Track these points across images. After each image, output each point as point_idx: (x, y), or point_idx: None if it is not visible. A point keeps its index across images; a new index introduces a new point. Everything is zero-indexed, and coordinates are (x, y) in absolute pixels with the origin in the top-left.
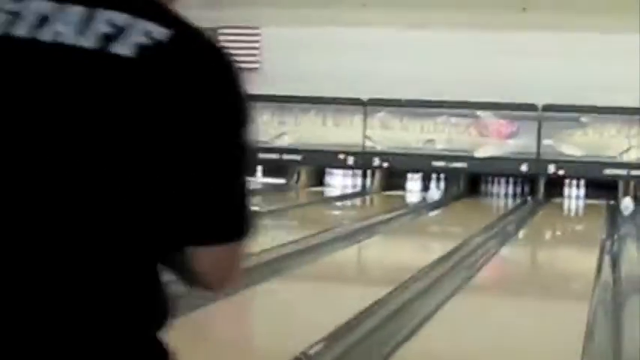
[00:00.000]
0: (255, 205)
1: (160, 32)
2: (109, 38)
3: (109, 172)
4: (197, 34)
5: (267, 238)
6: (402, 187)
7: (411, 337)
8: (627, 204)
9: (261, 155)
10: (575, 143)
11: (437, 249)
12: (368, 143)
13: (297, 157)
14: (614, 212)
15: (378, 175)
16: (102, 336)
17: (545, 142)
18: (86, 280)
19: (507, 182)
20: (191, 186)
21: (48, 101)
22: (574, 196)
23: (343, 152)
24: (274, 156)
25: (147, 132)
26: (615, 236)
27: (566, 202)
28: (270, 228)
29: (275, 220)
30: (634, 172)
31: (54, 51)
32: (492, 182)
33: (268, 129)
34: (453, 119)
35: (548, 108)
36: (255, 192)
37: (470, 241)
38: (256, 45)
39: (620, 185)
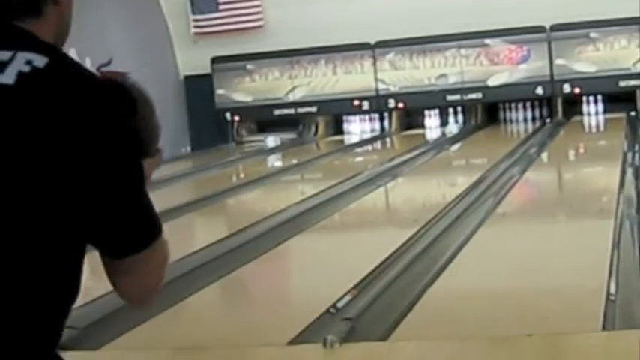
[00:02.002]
0: (278, 160)
1: (39, 60)
2: None
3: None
4: (72, 62)
5: (293, 193)
6: (421, 125)
7: (441, 274)
8: None
9: (276, 111)
10: (587, 59)
11: (462, 182)
12: (381, 86)
13: (313, 109)
14: (634, 123)
15: (395, 116)
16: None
17: (558, 62)
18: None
19: (525, 107)
20: (79, 206)
21: None
22: (593, 112)
23: (357, 98)
24: (290, 111)
25: (25, 153)
26: (637, 147)
27: (585, 119)
28: (294, 182)
29: (298, 174)
30: None
31: None
32: (510, 109)
33: (279, 85)
34: (463, 51)
35: (556, 28)
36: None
37: (493, 170)
38: (258, 3)
39: (638, 95)
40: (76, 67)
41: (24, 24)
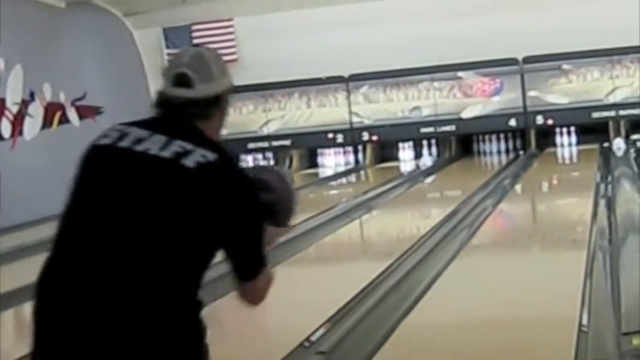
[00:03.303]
0: None
1: (211, 155)
2: (179, 155)
3: (170, 231)
4: (231, 158)
5: None
6: (395, 158)
7: (415, 306)
8: (619, 144)
9: (251, 144)
10: (560, 91)
11: (436, 214)
12: (355, 119)
13: (287, 142)
14: (607, 155)
15: (369, 149)
16: (155, 329)
17: (531, 94)
18: (150, 290)
19: (498, 139)
20: (225, 246)
21: (139, 185)
22: (566, 143)
23: (331, 131)
24: (264, 144)
25: (197, 211)
26: (609, 179)
27: (559, 150)
28: None
29: None
30: (622, 112)
31: (143, 156)
32: (483, 141)
33: (254, 118)
34: (436, 83)
35: (528, 60)
36: None
37: (467, 202)
38: (232, 37)
39: (611, 126)
40: (233, 162)
41: (199, 124)
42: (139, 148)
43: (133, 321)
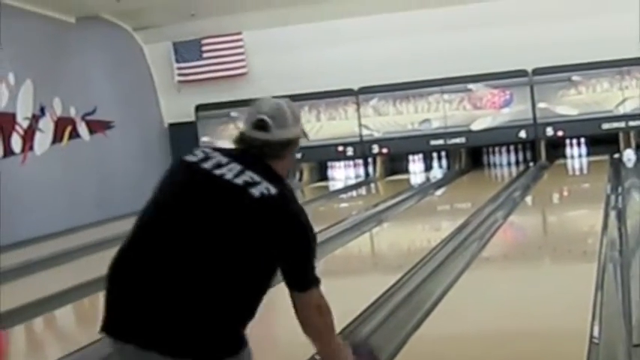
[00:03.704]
0: None
1: (273, 189)
2: (248, 184)
3: (227, 244)
4: (290, 191)
5: None
6: (405, 171)
7: (426, 319)
8: (629, 155)
9: None
10: (570, 103)
11: (446, 227)
12: (365, 132)
13: (297, 155)
14: (617, 166)
15: (379, 161)
16: (216, 323)
17: (540, 105)
18: (214, 290)
19: (508, 151)
20: (281, 263)
21: (210, 203)
22: (576, 155)
23: (341, 144)
24: None
25: (253, 233)
26: (620, 190)
27: (569, 162)
28: None
29: None
30: (632, 123)
31: (219, 180)
32: (493, 153)
33: None
34: (446, 96)
35: (538, 72)
36: None
37: (478, 214)
38: (241, 50)
39: (621, 137)
40: (289, 196)
41: (270, 162)
42: (217, 172)
43: (184, 312)
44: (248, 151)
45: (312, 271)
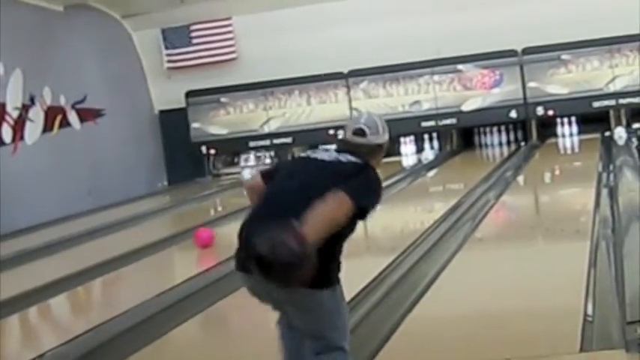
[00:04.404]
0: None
1: (359, 160)
2: (339, 159)
3: (321, 186)
4: (370, 167)
5: None
6: (397, 153)
7: (420, 300)
8: (620, 133)
9: (252, 143)
10: (559, 82)
11: (439, 208)
12: (355, 114)
13: (288, 140)
14: (608, 144)
15: None
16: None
17: (530, 85)
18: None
19: (499, 131)
20: (350, 181)
21: (310, 170)
22: (567, 134)
23: (332, 127)
24: (265, 142)
25: (342, 176)
26: (611, 168)
27: (560, 141)
28: None
29: None
30: (622, 101)
31: (318, 159)
32: (485, 133)
33: (254, 117)
34: (436, 77)
35: (527, 51)
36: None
37: (470, 195)
38: (230, 36)
39: (611, 115)
40: (370, 167)
41: (366, 158)
42: (317, 156)
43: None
44: (346, 149)
45: (363, 194)
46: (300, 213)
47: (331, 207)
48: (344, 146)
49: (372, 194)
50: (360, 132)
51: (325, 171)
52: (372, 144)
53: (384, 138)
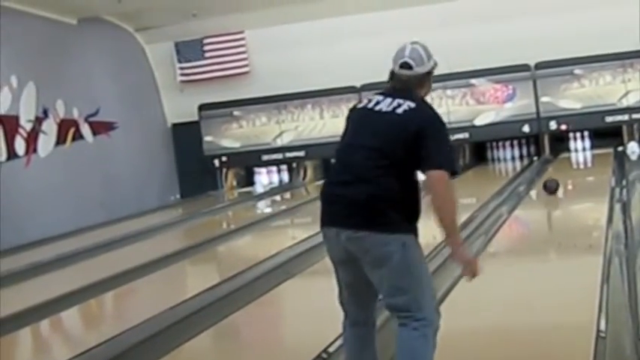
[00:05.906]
0: (267, 206)
1: (412, 104)
2: (395, 108)
3: (390, 144)
4: (424, 102)
5: (283, 238)
6: None
7: None
8: (633, 148)
9: (265, 156)
10: (572, 96)
11: None
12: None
13: (301, 153)
14: (621, 159)
15: None
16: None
17: (543, 99)
18: (386, 177)
19: (512, 145)
20: (422, 151)
21: (374, 125)
22: (580, 148)
23: None
24: (278, 156)
25: (407, 134)
26: (624, 182)
27: (573, 155)
28: (285, 227)
29: (288, 219)
30: (635, 116)
31: (377, 112)
32: (497, 147)
33: (267, 130)
34: (449, 91)
35: (540, 66)
36: (265, 194)
37: (483, 209)
38: (243, 49)
39: (624, 130)
40: (426, 106)
41: (414, 89)
42: (377, 108)
43: (373, 190)
44: (397, 85)
45: (444, 155)
46: (371, 179)
47: (442, 194)
48: (393, 79)
49: (449, 151)
50: (406, 65)
51: (389, 133)
52: (419, 74)
53: (430, 65)
